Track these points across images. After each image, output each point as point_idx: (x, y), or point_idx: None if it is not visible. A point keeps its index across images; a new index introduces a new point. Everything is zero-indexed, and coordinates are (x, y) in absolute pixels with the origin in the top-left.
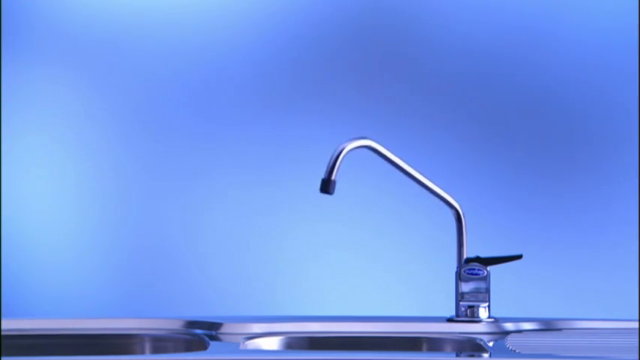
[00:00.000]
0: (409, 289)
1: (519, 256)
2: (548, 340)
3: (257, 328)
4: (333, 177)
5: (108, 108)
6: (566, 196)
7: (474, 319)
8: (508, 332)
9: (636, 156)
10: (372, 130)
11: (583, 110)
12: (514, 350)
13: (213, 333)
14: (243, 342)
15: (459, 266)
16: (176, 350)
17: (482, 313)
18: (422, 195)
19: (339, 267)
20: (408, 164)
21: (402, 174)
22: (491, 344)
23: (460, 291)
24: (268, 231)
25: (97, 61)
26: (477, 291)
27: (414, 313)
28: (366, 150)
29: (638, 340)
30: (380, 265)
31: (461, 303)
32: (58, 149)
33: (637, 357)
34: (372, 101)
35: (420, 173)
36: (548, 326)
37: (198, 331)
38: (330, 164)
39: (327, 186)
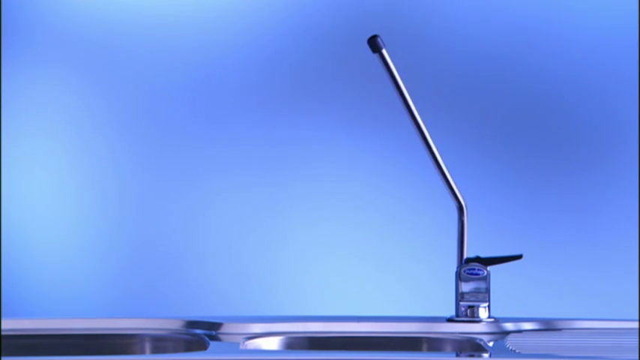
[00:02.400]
0: (409, 289)
1: (519, 256)
2: (548, 340)
3: (257, 328)
4: None
5: (108, 108)
6: (566, 195)
7: (474, 319)
8: (508, 332)
9: (636, 156)
10: (373, 130)
11: (583, 110)
12: (514, 350)
13: (213, 333)
14: (243, 342)
15: (459, 266)
16: (176, 350)
17: (482, 313)
18: (422, 195)
19: (339, 267)
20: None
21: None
22: (491, 344)
23: (460, 291)
24: (268, 231)
25: (96, 62)
26: (477, 291)
27: (414, 313)
28: (366, 150)
29: (638, 340)
30: (380, 265)
31: (461, 303)
32: (58, 149)
33: (637, 357)
34: (373, 102)
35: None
36: (548, 326)
37: (198, 331)
38: None
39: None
